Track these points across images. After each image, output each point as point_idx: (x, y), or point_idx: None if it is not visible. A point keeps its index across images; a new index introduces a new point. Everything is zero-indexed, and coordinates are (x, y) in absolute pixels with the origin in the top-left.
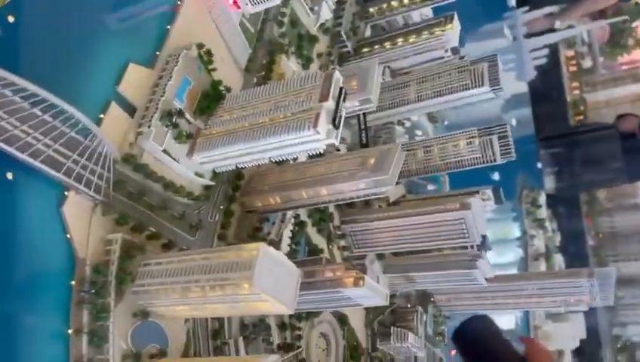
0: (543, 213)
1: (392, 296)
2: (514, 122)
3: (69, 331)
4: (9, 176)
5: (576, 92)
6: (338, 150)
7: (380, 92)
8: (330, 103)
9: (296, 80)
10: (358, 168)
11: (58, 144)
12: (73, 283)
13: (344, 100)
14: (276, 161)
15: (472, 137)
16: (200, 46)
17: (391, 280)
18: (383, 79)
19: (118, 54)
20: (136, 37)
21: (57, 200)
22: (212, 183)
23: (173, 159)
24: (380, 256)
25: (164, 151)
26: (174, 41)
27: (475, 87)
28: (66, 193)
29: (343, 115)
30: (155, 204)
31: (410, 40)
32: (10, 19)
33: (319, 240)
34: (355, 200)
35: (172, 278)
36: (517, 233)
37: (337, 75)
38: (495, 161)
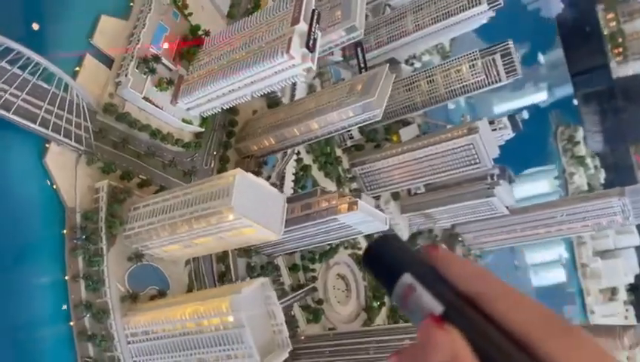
0: (582, 149)
1: (416, 236)
2: (542, 60)
3: (66, 278)
4: None
5: (613, 23)
6: None
7: (377, 27)
8: (302, 26)
9: (268, 9)
10: (345, 96)
11: (30, 96)
12: (65, 231)
13: (318, 22)
14: (269, 104)
15: (474, 59)
16: None
17: (410, 219)
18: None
19: (89, 7)
20: None
21: (39, 153)
22: (201, 130)
23: (157, 106)
24: (396, 196)
25: (145, 98)
26: None
27: (473, 6)
28: (47, 145)
29: (318, 37)
30: (142, 153)
31: None
32: None
33: (328, 184)
34: (347, 129)
35: (159, 217)
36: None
37: None
38: (500, 80)
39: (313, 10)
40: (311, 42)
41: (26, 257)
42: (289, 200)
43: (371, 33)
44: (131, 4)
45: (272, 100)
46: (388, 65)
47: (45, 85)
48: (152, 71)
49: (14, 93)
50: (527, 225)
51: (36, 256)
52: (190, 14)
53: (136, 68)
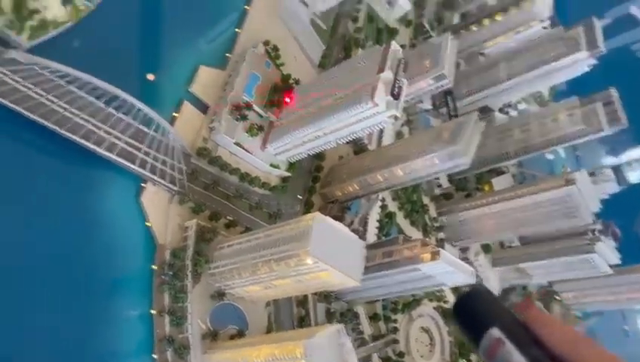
0: None
1: (508, 291)
2: None
3: (152, 312)
4: (90, 170)
5: None
6: None
7: (468, 76)
8: (387, 74)
9: (355, 59)
10: (431, 143)
11: (132, 138)
12: (154, 267)
13: (404, 70)
14: (355, 150)
15: (574, 108)
16: (266, 43)
17: (502, 273)
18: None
19: (190, 58)
20: (207, 41)
21: (136, 192)
22: (288, 174)
23: (247, 151)
24: (487, 249)
25: (237, 143)
26: (244, 43)
27: (571, 53)
28: (143, 185)
29: (404, 86)
30: (231, 195)
31: (498, 18)
32: (86, 25)
33: (413, 233)
34: (433, 177)
35: (241, 257)
36: None
37: (395, 46)
38: (602, 130)
39: (399, 59)
40: (396, 90)
41: (117, 289)
42: (370, 246)
43: (463, 81)
44: (228, 55)
45: (358, 146)
46: (478, 113)
47: (145, 129)
48: (244, 117)
49: (117, 136)
50: (636, 285)
51: (126, 288)
52: (282, 64)
53: (229, 114)
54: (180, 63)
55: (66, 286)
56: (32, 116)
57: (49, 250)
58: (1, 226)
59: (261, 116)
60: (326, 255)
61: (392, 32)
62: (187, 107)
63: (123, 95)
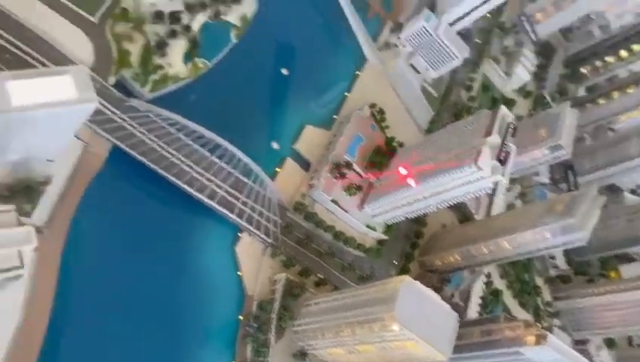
0: None
1: None
2: None
3: None
4: (190, 215)
5: None
6: None
7: (594, 150)
8: (494, 138)
9: (462, 122)
10: (543, 215)
11: (232, 188)
12: (241, 317)
13: (513, 135)
14: (460, 219)
15: None
16: (372, 106)
17: None
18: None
19: (297, 118)
20: (316, 103)
21: (232, 241)
22: (385, 237)
23: (343, 210)
24: (610, 344)
25: (334, 201)
26: (351, 105)
27: None
28: (239, 234)
29: (512, 152)
30: (323, 252)
31: (630, 91)
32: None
33: (522, 315)
34: (544, 252)
35: (326, 316)
36: None
37: (504, 110)
38: None
39: (508, 124)
40: (503, 155)
41: (203, 334)
42: (467, 323)
43: (587, 156)
44: (335, 116)
45: (463, 215)
46: (606, 192)
47: (244, 179)
48: (343, 176)
49: (219, 184)
50: None
51: (212, 335)
52: (387, 127)
53: (329, 172)
54: (288, 122)
55: (155, 324)
56: (144, 160)
57: (144, 287)
58: (101, 260)
59: (361, 176)
60: (413, 322)
61: (509, 103)
62: (289, 163)
63: (227, 145)
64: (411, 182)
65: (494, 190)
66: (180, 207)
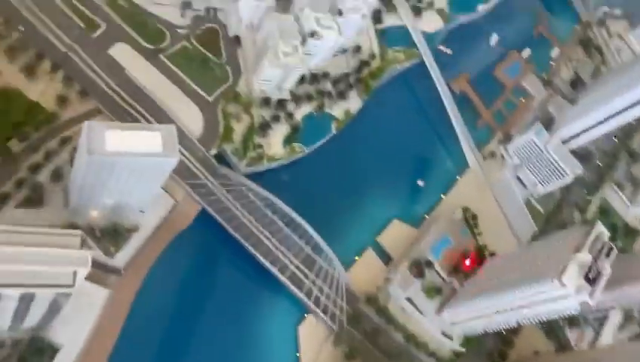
0: None
1: None
2: None
3: None
4: (263, 286)
5: None
6: None
7: None
8: (584, 256)
9: (553, 236)
10: None
11: (303, 265)
12: None
13: (607, 255)
14: (557, 347)
15: None
16: (465, 210)
17: None
18: None
19: (386, 211)
20: (409, 200)
21: (297, 320)
22: (462, 350)
23: (419, 311)
24: None
25: (409, 299)
26: (444, 207)
27: None
28: (305, 315)
29: (605, 274)
30: (390, 352)
31: None
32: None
33: None
34: None
35: None
36: None
37: (600, 228)
38: None
39: (604, 243)
40: (592, 275)
41: None
42: None
43: None
44: (426, 215)
45: (560, 343)
46: None
47: (316, 258)
48: (421, 274)
49: (292, 260)
50: None
51: None
52: (480, 233)
53: (408, 269)
54: (375, 213)
55: None
56: (227, 226)
57: (203, 345)
58: (169, 311)
59: (443, 279)
60: None
61: (632, 233)
62: (369, 254)
63: (309, 229)
64: (490, 291)
65: (603, 320)
66: (252, 276)
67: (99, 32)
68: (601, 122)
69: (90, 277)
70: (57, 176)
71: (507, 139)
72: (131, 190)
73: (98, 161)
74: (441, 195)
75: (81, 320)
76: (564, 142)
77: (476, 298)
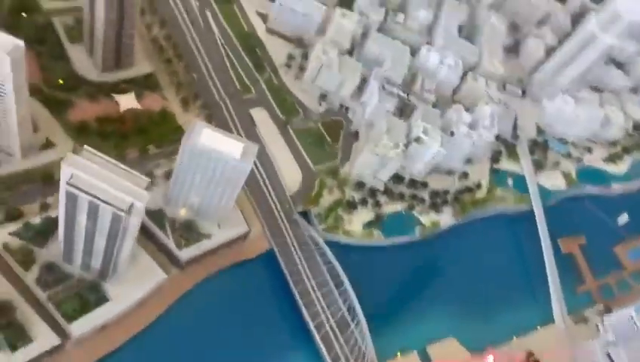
0: None
1: None
2: None
3: None
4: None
5: None
6: None
7: None
8: None
9: None
10: None
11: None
12: None
13: None
14: None
15: None
16: (530, 354)
17: None
18: None
19: (448, 327)
20: (476, 327)
21: None
22: None
23: None
24: None
25: None
26: (510, 349)
27: None
28: None
29: None
30: None
31: None
32: None
33: None
34: None
35: None
36: None
37: None
38: None
39: None
40: None
41: None
42: None
43: None
44: (487, 346)
45: None
46: None
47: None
48: None
49: (328, 317)
50: None
51: None
52: None
53: None
54: (436, 325)
55: None
56: (286, 272)
57: None
58: (200, 329)
59: None
60: None
61: None
62: (414, 357)
63: (355, 302)
64: None
65: None
66: (292, 328)
67: (249, 95)
68: None
69: (155, 258)
70: (168, 174)
71: (607, 311)
72: (212, 193)
73: (190, 150)
74: (514, 337)
75: (134, 288)
76: None
77: None
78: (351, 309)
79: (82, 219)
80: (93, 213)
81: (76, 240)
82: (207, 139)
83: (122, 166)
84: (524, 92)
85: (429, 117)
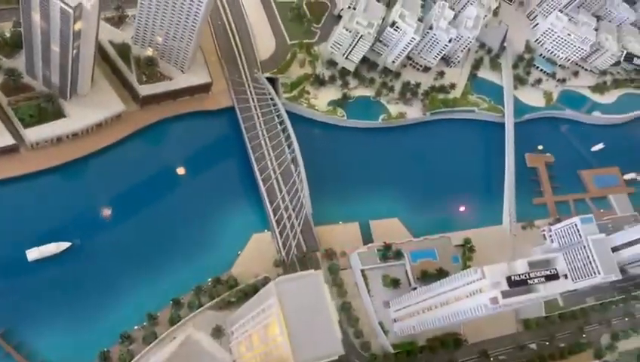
0: None
1: None
2: None
3: None
4: (243, 189)
5: None
6: None
7: None
8: (521, 262)
9: None
10: None
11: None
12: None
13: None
14: None
15: None
16: (467, 241)
17: None
18: None
19: (392, 209)
20: (421, 211)
21: (257, 228)
22: (391, 350)
23: (368, 290)
24: None
25: (363, 274)
26: (453, 238)
27: None
28: (265, 230)
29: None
30: None
31: None
32: None
33: None
34: None
35: None
36: None
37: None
38: None
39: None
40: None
41: None
42: None
43: None
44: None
45: None
46: None
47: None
48: (386, 260)
49: (277, 177)
50: None
51: None
52: (470, 260)
53: (378, 250)
54: (381, 203)
55: None
56: (242, 126)
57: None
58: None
59: (408, 279)
60: None
61: None
62: (354, 226)
63: (301, 167)
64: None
65: None
66: (242, 178)
67: None
68: None
69: (119, 92)
70: None
71: (557, 222)
72: (174, 32)
73: None
74: (462, 231)
75: (91, 111)
76: (614, 250)
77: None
78: (295, 163)
79: (37, 19)
80: (44, 9)
81: (34, 46)
82: None
83: None
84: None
85: (409, 4)
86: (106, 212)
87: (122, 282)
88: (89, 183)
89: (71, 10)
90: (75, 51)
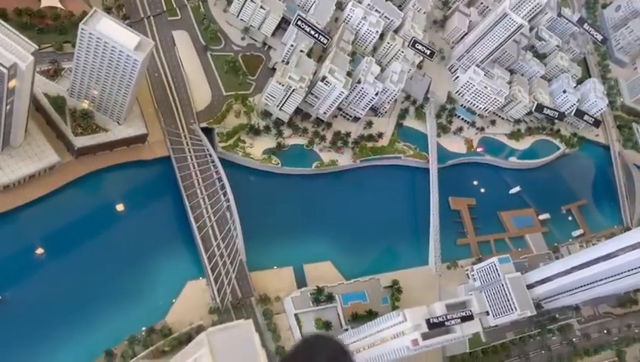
0: None
1: None
2: None
3: None
4: (177, 236)
5: None
6: None
7: None
8: (439, 304)
9: None
10: None
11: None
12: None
13: (463, 321)
14: None
15: None
16: (395, 282)
17: None
18: None
19: (323, 251)
20: (353, 256)
21: (191, 276)
22: None
23: (301, 333)
24: None
25: (297, 318)
26: (383, 279)
27: None
28: (200, 277)
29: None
30: None
31: None
32: None
33: None
34: None
35: None
36: None
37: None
38: None
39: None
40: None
41: None
42: None
43: None
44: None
45: None
46: None
47: (236, 240)
48: (318, 304)
49: (212, 225)
50: None
51: None
52: (397, 306)
53: (311, 294)
54: (312, 252)
55: None
56: (178, 176)
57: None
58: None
59: (340, 322)
60: None
61: None
62: (288, 271)
63: (235, 216)
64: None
65: None
66: (177, 225)
67: (174, 18)
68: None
69: (53, 144)
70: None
71: (479, 261)
72: (110, 87)
73: (87, 34)
74: (391, 272)
75: (25, 163)
76: (529, 287)
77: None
78: (230, 211)
79: None
80: None
81: None
82: (104, 27)
83: (15, 31)
84: (432, 54)
85: (339, 61)
86: (37, 261)
87: (54, 335)
88: (19, 235)
89: (5, 70)
90: (8, 107)
